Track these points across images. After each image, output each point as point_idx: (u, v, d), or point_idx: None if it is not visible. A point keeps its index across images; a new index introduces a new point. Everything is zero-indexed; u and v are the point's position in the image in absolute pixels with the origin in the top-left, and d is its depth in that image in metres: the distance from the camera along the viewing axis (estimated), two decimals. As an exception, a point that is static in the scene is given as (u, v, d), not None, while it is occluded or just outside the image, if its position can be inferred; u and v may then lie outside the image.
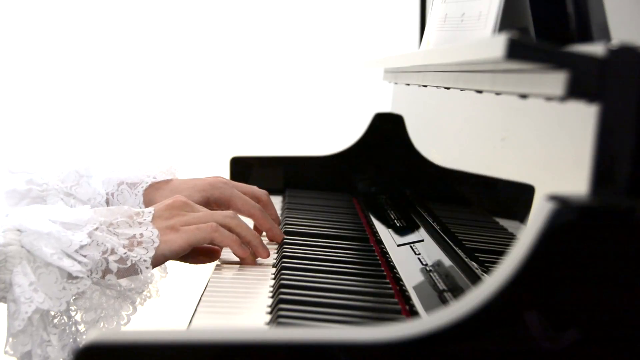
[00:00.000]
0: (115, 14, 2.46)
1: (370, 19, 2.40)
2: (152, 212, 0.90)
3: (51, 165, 1.01)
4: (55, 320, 0.85)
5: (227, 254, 0.98)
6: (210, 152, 2.39)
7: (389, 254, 1.02)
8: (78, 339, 0.87)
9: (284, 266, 0.94)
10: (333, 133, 2.28)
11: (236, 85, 2.47)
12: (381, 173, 1.51)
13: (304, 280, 0.89)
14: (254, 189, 1.09)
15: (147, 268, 0.86)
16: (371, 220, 1.24)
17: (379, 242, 1.10)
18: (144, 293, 0.91)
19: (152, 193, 1.03)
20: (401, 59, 1.18)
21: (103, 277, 0.85)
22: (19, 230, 0.84)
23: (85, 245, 0.84)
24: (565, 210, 0.54)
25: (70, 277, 0.83)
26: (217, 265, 0.98)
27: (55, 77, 2.46)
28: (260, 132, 2.44)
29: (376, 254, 1.05)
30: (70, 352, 0.85)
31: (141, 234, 0.87)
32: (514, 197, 0.80)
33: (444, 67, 0.99)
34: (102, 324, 0.89)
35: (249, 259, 0.95)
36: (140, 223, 0.89)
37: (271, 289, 0.88)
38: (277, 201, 1.43)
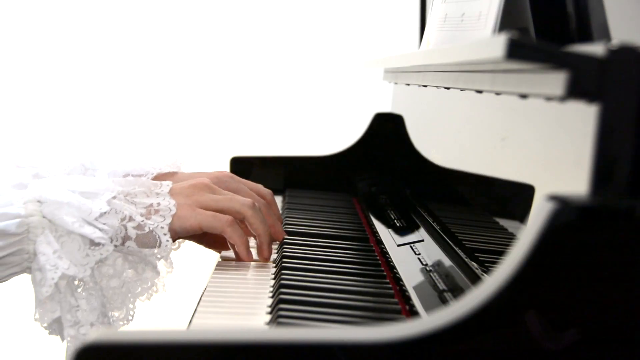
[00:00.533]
0: (119, 12, 2.46)
1: (370, 19, 2.40)
2: (170, 184, 0.92)
3: (57, 159, 1.02)
4: (80, 290, 0.86)
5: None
6: (210, 152, 2.39)
7: (389, 254, 1.02)
8: (107, 305, 0.88)
9: (284, 266, 0.94)
10: (333, 133, 2.28)
11: (236, 85, 2.46)
12: (381, 173, 1.51)
13: (304, 280, 0.89)
14: (259, 187, 1.10)
15: (165, 234, 0.88)
16: (371, 220, 1.24)
17: (379, 242, 1.10)
18: (152, 288, 0.92)
19: None
20: (401, 59, 1.18)
21: (123, 243, 0.87)
22: (39, 201, 0.86)
23: (105, 213, 0.86)
24: (565, 210, 0.54)
25: (93, 243, 0.85)
26: (217, 265, 0.98)
27: (59, 75, 2.46)
28: (260, 132, 2.44)
29: (376, 254, 1.05)
30: (75, 349, 0.85)
31: (158, 203, 0.89)
32: (514, 197, 0.80)
33: (444, 67, 0.99)
34: (127, 290, 0.89)
35: (249, 258, 0.95)
36: (157, 194, 0.90)
37: (271, 289, 0.88)
38: (277, 201, 1.43)
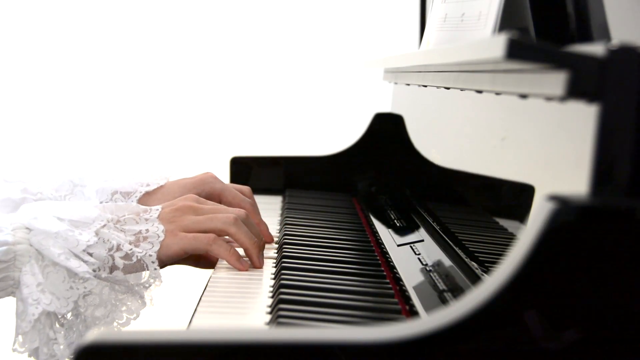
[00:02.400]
0: (113, 14, 2.46)
1: (370, 19, 2.40)
2: (159, 210, 0.92)
3: (46, 175, 1.02)
4: (62, 319, 0.86)
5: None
6: (210, 152, 2.39)
7: (389, 254, 1.02)
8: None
9: (284, 266, 0.94)
10: (333, 133, 2.28)
11: (236, 85, 2.47)
12: (381, 173, 1.51)
13: (304, 280, 0.89)
14: (242, 187, 1.10)
15: (152, 262, 0.88)
16: (371, 220, 1.24)
17: (379, 242, 1.10)
18: (137, 317, 0.92)
19: (145, 200, 1.04)
20: (401, 59, 1.18)
21: (110, 273, 0.87)
22: (27, 228, 0.86)
23: (92, 244, 0.86)
24: (565, 210, 0.54)
25: (78, 276, 0.85)
26: (217, 265, 0.98)
27: (51, 78, 2.46)
28: (260, 132, 2.44)
29: (376, 254, 1.05)
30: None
31: (147, 230, 0.89)
32: (514, 197, 0.80)
33: (444, 67, 0.99)
34: (112, 319, 0.90)
35: (243, 268, 0.95)
36: (146, 219, 0.90)
37: (271, 289, 0.88)
38: (277, 201, 1.43)
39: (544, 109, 0.69)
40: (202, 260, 1.01)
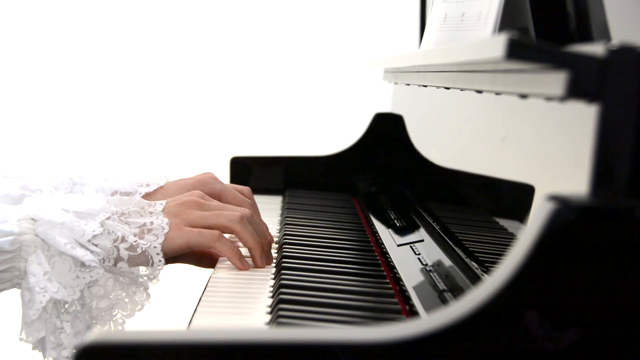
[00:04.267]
0: (113, 13, 2.46)
1: (370, 19, 2.40)
2: (164, 204, 0.92)
3: (45, 172, 1.02)
4: (68, 306, 0.86)
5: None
6: (210, 152, 2.39)
7: (389, 254, 1.02)
8: (91, 327, 0.88)
9: (284, 266, 0.94)
10: (333, 133, 2.28)
11: (236, 85, 2.47)
12: (381, 173, 1.51)
13: (304, 280, 0.89)
14: (242, 188, 1.09)
15: (157, 254, 0.88)
16: (371, 220, 1.24)
17: (379, 242, 1.10)
18: (142, 309, 0.92)
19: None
20: (401, 59, 1.18)
21: (115, 264, 0.87)
22: (33, 219, 0.86)
23: (98, 234, 0.86)
24: (565, 210, 0.54)
25: (84, 265, 0.85)
26: (217, 265, 0.98)
27: (52, 77, 2.46)
28: (260, 132, 2.44)
29: (376, 254, 1.05)
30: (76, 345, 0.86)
31: (151, 222, 0.89)
32: (514, 197, 0.80)
33: (444, 67, 0.99)
34: (116, 311, 0.90)
35: (245, 267, 0.95)
36: (151, 212, 0.91)
37: (271, 289, 0.88)
38: (277, 201, 1.43)
39: (544, 109, 0.69)
40: (204, 257, 1.01)
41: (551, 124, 0.68)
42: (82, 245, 0.85)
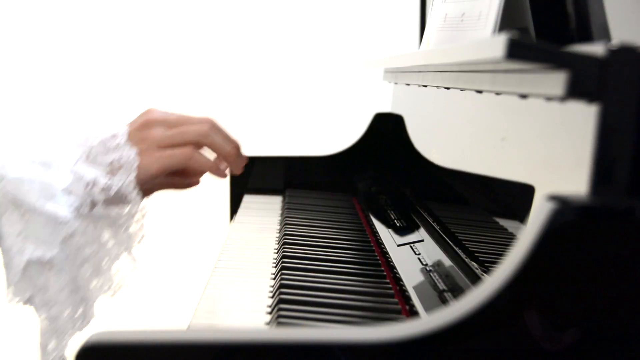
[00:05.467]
0: (112, 13, 2.46)
1: (370, 19, 2.40)
2: (126, 133, 0.88)
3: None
4: (48, 268, 0.83)
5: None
6: (210, 152, 2.39)
7: (389, 254, 1.02)
8: (80, 278, 0.86)
9: (284, 266, 0.94)
10: (333, 133, 2.28)
11: (236, 85, 2.47)
12: (381, 173, 1.51)
13: (304, 280, 0.89)
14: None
15: (132, 190, 0.85)
16: (371, 220, 1.24)
17: (379, 242, 1.10)
18: (116, 282, 0.89)
19: None
20: (401, 59, 1.18)
21: (91, 209, 0.84)
22: (1, 177, 0.82)
23: (68, 183, 0.82)
24: (565, 210, 0.54)
25: (58, 219, 0.82)
26: (217, 265, 0.98)
27: (52, 77, 2.46)
28: (260, 132, 2.44)
29: (376, 254, 1.05)
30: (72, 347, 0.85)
31: (120, 157, 0.86)
32: (514, 197, 0.80)
33: (444, 67, 0.99)
34: (102, 255, 0.87)
35: (224, 175, 0.91)
36: (116, 146, 0.86)
37: (271, 289, 0.88)
38: (277, 201, 1.43)
39: (544, 109, 0.69)
40: (177, 176, 0.95)
41: (551, 124, 0.68)
42: (53, 198, 0.81)
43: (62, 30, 2.45)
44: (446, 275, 0.88)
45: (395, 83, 1.50)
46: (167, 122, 0.89)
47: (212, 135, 0.89)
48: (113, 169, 0.85)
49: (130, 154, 0.86)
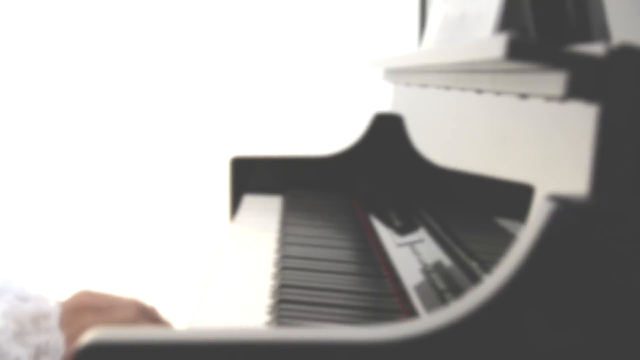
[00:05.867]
0: (112, 13, 2.46)
1: (370, 19, 2.40)
2: (58, 316, 0.88)
3: None
4: None
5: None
6: (210, 152, 2.39)
7: (389, 254, 1.02)
8: None
9: (284, 266, 0.94)
10: (333, 133, 2.28)
11: (236, 85, 2.46)
12: (381, 173, 1.51)
13: (304, 280, 0.89)
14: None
15: None
16: (371, 220, 1.24)
17: (379, 242, 1.10)
18: None
19: None
20: (401, 59, 1.18)
21: None
22: None
23: None
24: (565, 210, 0.54)
25: None
26: (217, 265, 0.98)
27: (52, 76, 2.46)
28: (260, 132, 2.44)
29: (376, 254, 1.05)
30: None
31: (47, 341, 0.86)
32: (514, 197, 0.80)
33: (444, 67, 0.99)
34: None
35: None
36: (47, 329, 0.87)
37: (271, 289, 0.88)
38: (277, 201, 1.43)
39: (544, 109, 0.69)
40: None
41: (551, 124, 0.68)
42: None
43: (62, 31, 2.45)
44: (446, 275, 0.88)
45: (396, 83, 1.50)
46: (96, 307, 0.91)
47: (138, 321, 0.92)
48: (39, 353, 0.86)
49: (58, 341, 0.87)
